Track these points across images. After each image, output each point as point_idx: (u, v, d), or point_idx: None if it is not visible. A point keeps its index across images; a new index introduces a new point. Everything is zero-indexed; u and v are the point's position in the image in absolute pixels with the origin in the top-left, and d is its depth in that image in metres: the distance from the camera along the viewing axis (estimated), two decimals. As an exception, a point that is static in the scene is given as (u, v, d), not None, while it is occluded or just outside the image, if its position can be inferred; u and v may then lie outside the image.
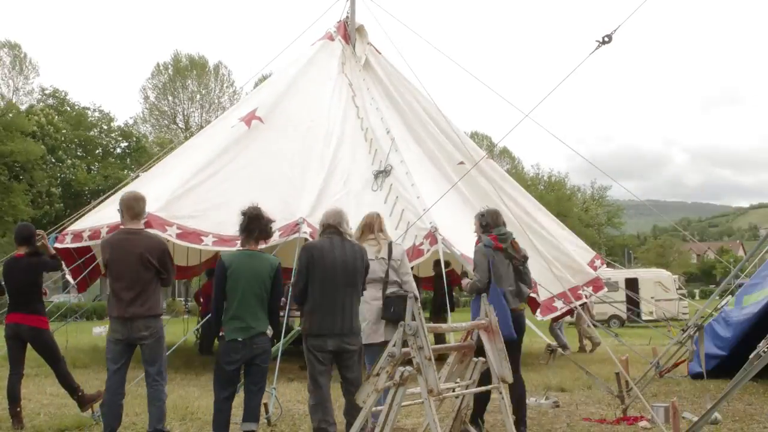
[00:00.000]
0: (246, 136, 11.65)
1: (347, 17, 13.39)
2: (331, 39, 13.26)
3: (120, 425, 5.79)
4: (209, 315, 6.22)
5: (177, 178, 11.06)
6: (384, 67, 13.22)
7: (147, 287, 5.57)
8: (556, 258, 11.69)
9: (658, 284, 25.70)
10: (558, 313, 11.54)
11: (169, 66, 48.81)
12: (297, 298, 5.60)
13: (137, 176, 13.64)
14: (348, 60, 12.93)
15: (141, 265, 5.54)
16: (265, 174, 10.92)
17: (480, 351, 5.32)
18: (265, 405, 6.80)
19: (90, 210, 12.62)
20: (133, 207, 5.76)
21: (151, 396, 5.69)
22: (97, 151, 42.70)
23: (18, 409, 6.63)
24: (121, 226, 5.81)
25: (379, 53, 13.45)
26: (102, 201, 13.02)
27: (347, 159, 11.51)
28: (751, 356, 5.60)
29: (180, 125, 47.11)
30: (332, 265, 5.45)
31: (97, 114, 43.54)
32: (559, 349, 11.08)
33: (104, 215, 11.12)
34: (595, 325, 13.87)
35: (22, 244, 6.75)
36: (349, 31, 13.25)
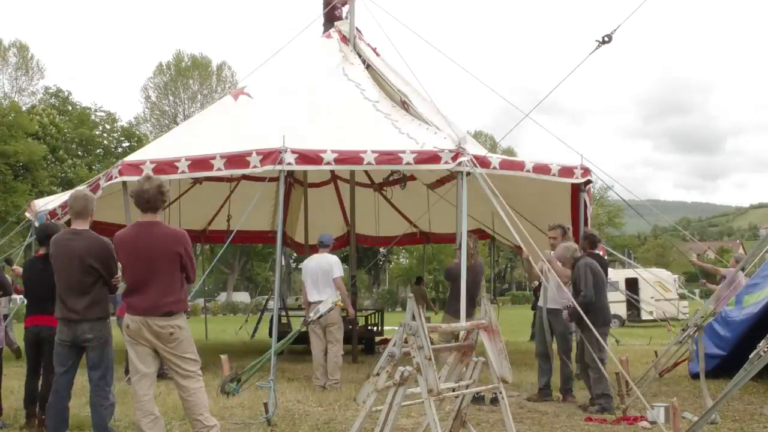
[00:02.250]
0: (232, 104, 11.54)
1: (346, 17, 13.37)
2: (329, 37, 13.23)
3: (68, 428, 5.70)
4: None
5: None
6: (380, 67, 13.15)
7: (89, 290, 5.36)
8: None
9: (657, 284, 25.71)
10: None
11: (171, 66, 48.87)
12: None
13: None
14: (347, 55, 12.83)
15: (81, 268, 5.37)
16: (244, 116, 10.90)
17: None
18: (265, 405, 6.81)
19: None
20: (72, 206, 5.67)
21: (94, 401, 5.46)
22: (98, 151, 42.77)
23: (36, 409, 6.60)
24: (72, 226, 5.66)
25: (378, 55, 13.40)
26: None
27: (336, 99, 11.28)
28: (751, 356, 5.60)
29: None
30: None
31: (100, 114, 43.65)
32: None
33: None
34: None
35: (44, 243, 6.41)
36: (348, 33, 13.20)
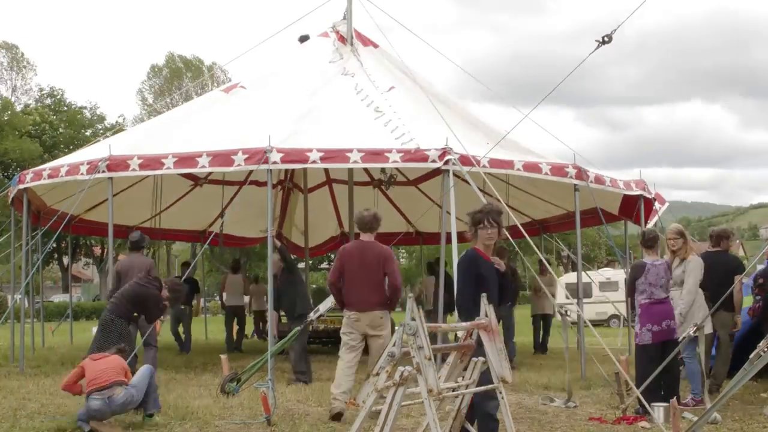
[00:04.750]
0: (223, 98, 11.65)
1: (344, 17, 13.33)
2: (326, 36, 13.20)
3: None
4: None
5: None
6: (380, 60, 13.13)
7: None
8: None
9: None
10: None
11: (164, 68, 49.04)
12: None
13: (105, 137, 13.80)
14: (343, 55, 12.77)
15: None
16: (234, 113, 10.88)
17: None
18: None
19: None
20: None
21: None
22: (93, 151, 42.84)
23: None
24: None
25: (376, 46, 13.37)
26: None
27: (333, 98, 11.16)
28: (751, 356, 5.60)
29: (178, 125, 47.32)
30: None
31: (88, 114, 43.68)
32: None
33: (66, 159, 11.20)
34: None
35: None
36: (344, 34, 13.17)
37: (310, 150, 9.18)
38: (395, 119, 10.57)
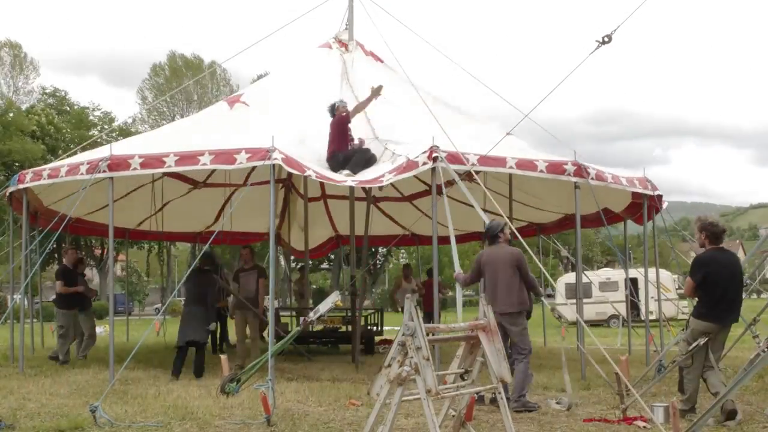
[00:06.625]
0: (226, 111, 11.69)
1: (346, 26, 13.30)
2: (330, 48, 13.18)
3: None
4: None
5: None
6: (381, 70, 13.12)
7: None
8: None
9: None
10: None
11: (166, 67, 49.05)
12: None
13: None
14: (347, 68, 12.75)
15: None
16: (239, 122, 11.02)
17: None
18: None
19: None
20: None
21: None
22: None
23: None
24: None
25: (381, 61, 13.38)
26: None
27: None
28: (751, 356, 5.61)
29: (179, 124, 47.36)
30: None
31: (98, 114, 43.70)
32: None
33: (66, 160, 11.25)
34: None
35: None
36: (346, 40, 13.16)
37: (309, 168, 9.39)
38: (386, 136, 10.61)
